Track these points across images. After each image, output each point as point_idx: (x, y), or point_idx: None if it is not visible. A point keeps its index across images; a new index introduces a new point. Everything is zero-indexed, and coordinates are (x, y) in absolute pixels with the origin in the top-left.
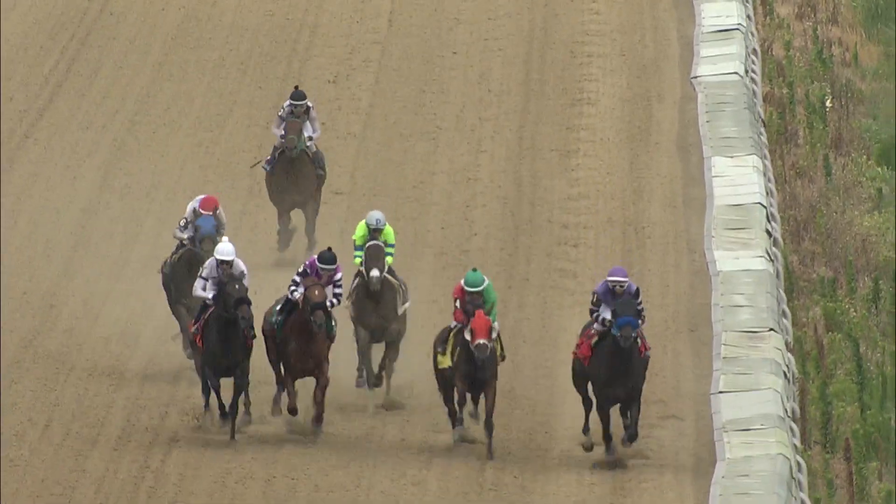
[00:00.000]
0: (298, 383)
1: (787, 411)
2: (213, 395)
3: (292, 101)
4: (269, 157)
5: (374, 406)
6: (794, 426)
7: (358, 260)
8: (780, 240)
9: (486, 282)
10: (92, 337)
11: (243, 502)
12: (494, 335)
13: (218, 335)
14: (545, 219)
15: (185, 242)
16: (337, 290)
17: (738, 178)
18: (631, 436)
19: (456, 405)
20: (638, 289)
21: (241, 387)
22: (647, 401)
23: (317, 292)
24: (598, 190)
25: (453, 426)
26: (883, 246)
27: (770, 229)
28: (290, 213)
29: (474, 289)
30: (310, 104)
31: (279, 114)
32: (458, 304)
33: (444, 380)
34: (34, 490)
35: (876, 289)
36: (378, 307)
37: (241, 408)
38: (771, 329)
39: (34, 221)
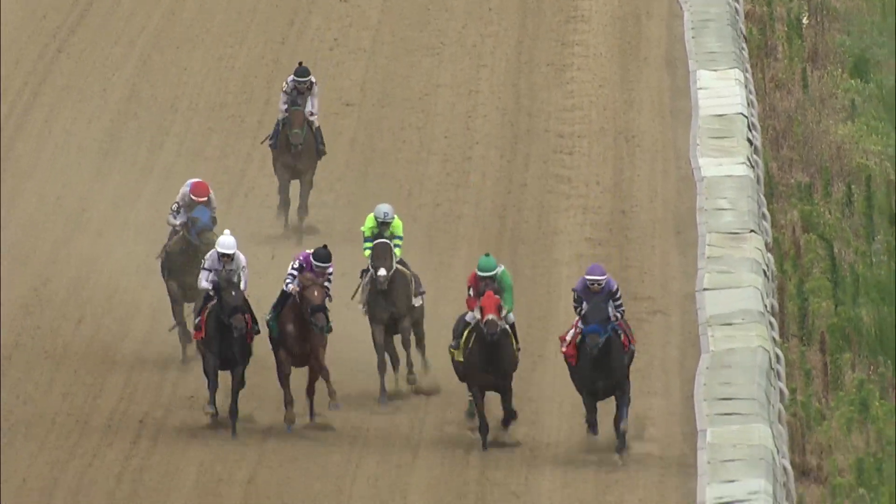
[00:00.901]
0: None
1: (766, 307)
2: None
3: (296, 78)
4: (271, 134)
5: (409, 387)
6: (773, 320)
7: (368, 252)
8: (761, 147)
9: (500, 267)
10: (122, 239)
11: (227, 493)
12: (504, 312)
13: (217, 330)
14: (542, 128)
15: (178, 229)
16: (327, 284)
17: (722, 90)
18: (620, 436)
19: (476, 408)
20: (618, 287)
21: (238, 386)
22: (636, 297)
23: (316, 293)
24: (591, 101)
25: (480, 431)
26: (856, 153)
27: (751, 138)
28: (290, 180)
29: (487, 273)
30: (313, 80)
31: (283, 89)
32: (471, 291)
33: (462, 375)
34: (67, 384)
35: (849, 193)
36: (389, 301)
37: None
38: (752, 230)
39: (67, 131)
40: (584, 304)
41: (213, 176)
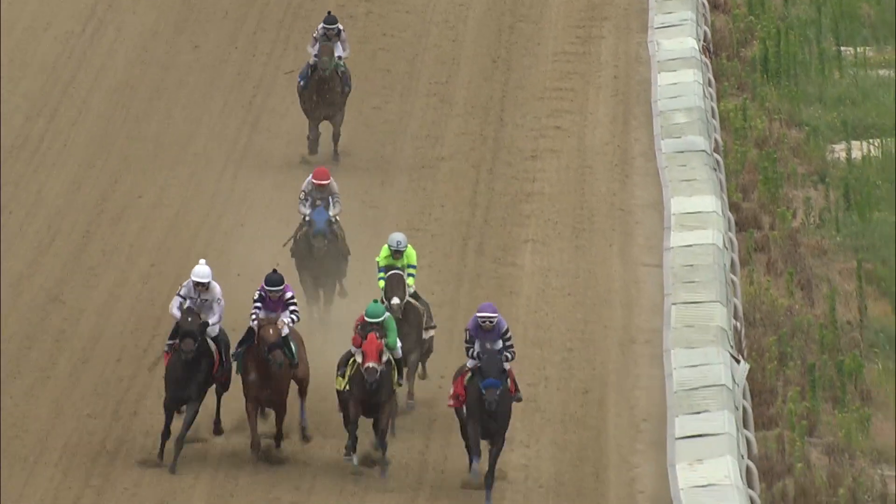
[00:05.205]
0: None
1: None
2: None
3: (325, 25)
4: (301, 72)
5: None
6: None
7: (382, 283)
8: None
9: (387, 314)
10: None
11: None
12: (385, 358)
13: (180, 363)
14: None
15: (306, 220)
16: (292, 308)
17: None
18: (488, 480)
19: (349, 428)
20: (507, 327)
21: (188, 421)
22: None
23: (271, 331)
24: None
25: (347, 451)
26: None
27: None
28: (319, 123)
29: (375, 319)
30: (341, 27)
31: (313, 35)
32: (357, 330)
33: (342, 402)
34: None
35: None
36: (400, 335)
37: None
38: None
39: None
40: (476, 345)
41: None
